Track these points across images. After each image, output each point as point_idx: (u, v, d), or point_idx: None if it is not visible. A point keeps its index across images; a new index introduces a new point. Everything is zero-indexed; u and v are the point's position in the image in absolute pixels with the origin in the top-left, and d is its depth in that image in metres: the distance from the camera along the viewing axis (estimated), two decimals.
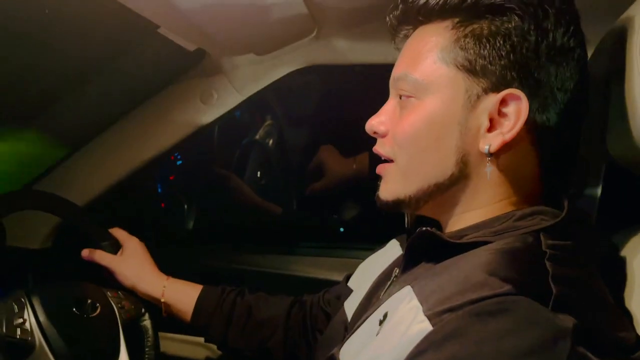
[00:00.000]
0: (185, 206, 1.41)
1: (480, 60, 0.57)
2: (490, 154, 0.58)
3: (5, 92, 0.92)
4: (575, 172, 0.66)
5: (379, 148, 0.66)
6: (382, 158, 0.66)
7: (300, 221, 1.56)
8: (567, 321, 0.46)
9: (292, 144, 1.74)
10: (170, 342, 1.14)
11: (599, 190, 0.90)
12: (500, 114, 0.58)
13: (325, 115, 1.64)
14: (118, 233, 1.00)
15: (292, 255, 1.18)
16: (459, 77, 0.58)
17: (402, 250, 0.76)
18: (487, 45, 0.57)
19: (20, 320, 0.75)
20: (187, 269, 1.02)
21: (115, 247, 0.98)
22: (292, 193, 1.67)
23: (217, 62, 1.05)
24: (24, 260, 1.12)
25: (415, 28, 0.64)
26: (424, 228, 0.59)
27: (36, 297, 0.78)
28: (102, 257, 0.96)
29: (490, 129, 0.58)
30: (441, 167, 0.60)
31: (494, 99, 0.57)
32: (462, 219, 0.62)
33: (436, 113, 0.59)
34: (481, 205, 0.61)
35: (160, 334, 0.97)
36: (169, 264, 1.00)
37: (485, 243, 0.55)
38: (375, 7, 0.83)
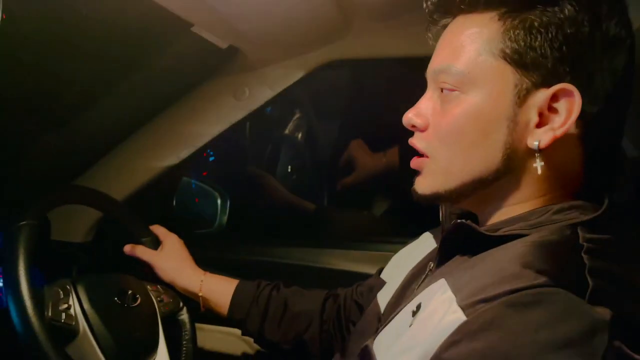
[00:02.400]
0: (219, 201, 1.43)
1: (531, 53, 0.54)
2: (539, 150, 0.56)
3: (48, 91, 0.96)
4: (618, 166, 0.64)
5: (416, 142, 0.64)
6: (419, 152, 0.64)
7: (331, 215, 1.57)
8: (604, 314, 0.46)
9: (322, 136, 1.75)
10: (207, 335, 1.16)
11: None
12: (551, 109, 0.55)
13: (355, 110, 1.64)
14: (158, 230, 1.03)
15: (324, 248, 1.19)
16: (508, 71, 0.56)
17: (436, 243, 0.76)
18: (539, 36, 0.54)
19: (65, 306, 0.78)
20: (221, 263, 1.04)
21: (155, 243, 1.02)
22: (323, 187, 1.68)
23: (249, 58, 1.06)
24: (68, 253, 1.16)
25: (454, 18, 0.61)
26: (459, 220, 0.58)
27: (81, 285, 0.81)
28: (143, 252, 0.99)
29: (540, 124, 0.56)
30: (487, 163, 0.58)
31: (544, 94, 0.55)
32: (501, 212, 0.61)
33: (483, 108, 0.57)
34: (523, 199, 0.60)
35: (198, 325, 1.00)
36: (204, 258, 1.02)
37: (521, 236, 0.55)
38: None
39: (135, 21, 0.88)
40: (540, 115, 0.56)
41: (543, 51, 0.54)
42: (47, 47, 0.86)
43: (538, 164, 0.57)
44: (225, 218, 1.44)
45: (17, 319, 0.71)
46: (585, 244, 0.52)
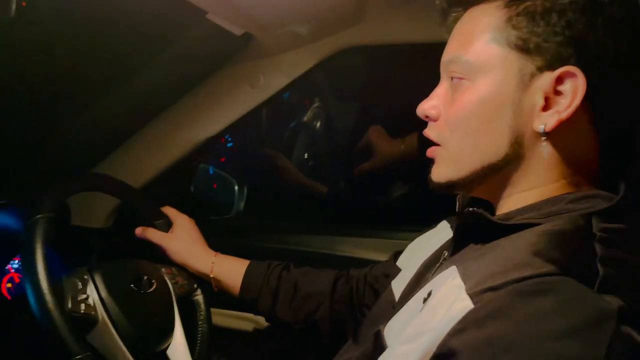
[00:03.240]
0: (236, 187, 1.44)
1: (534, 38, 0.55)
2: (545, 134, 0.56)
3: (66, 80, 0.97)
4: (636, 152, 0.63)
5: (429, 132, 0.65)
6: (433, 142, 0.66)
7: (347, 201, 1.57)
8: (612, 303, 0.45)
9: (340, 126, 1.74)
10: (222, 317, 1.18)
11: None
12: (556, 92, 0.56)
13: (373, 97, 1.63)
14: (169, 211, 1.04)
15: (338, 235, 1.19)
16: (512, 57, 0.57)
17: (452, 232, 0.76)
18: (541, 22, 0.55)
19: (84, 296, 0.79)
20: (234, 247, 1.04)
21: (167, 225, 1.02)
22: (340, 174, 1.67)
23: (264, 45, 1.05)
24: (88, 238, 1.19)
25: (465, 10, 0.63)
26: (471, 209, 0.59)
27: (98, 274, 0.83)
28: (153, 234, 1.00)
29: (546, 107, 0.56)
30: (495, 148, 0.59)
31: (549, 77, 0.56)
32: (515, 200, 0.61)
33: (488, 94, 0.58)
34: (535, 185, 0.60)
35: (212, 310, 1.01)
36: (220, 244, 1.03)
37: (534, 225, 0.55)
38: None
39: (151, 9, 0.88)
40: (547, 99, 0.56)
41: (546, 36, 0.55)
42: (64, 37, 0.87)
43: (543, 148, 0.57)
44: (242, 204, 1.45)
45: (39, 313, 0.72)
46: (598, 233, 0.52)
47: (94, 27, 0.87)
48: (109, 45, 0.93)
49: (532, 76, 0.56)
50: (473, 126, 0.60)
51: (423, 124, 0.67)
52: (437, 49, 0.65)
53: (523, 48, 0.56)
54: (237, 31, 1.00)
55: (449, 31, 0.65)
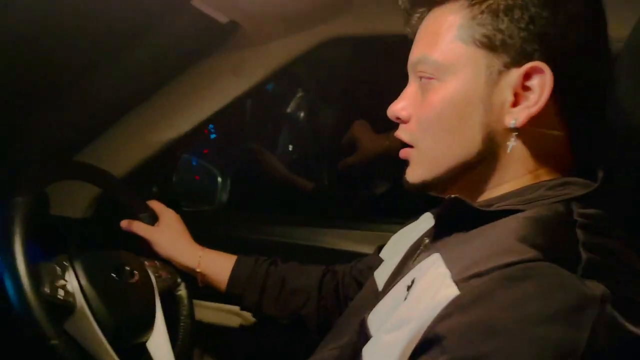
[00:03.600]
0: (219, 179, 1.43)
1: (499, 35, 0.56)
2: (516, 129, 0.58)
3: (46, 66, 0.95)
4: (607, 140, 0.65)
5: (401, 133, 0.66)
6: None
7: (330, 195, 1.57)
8: (595, 288, 0.46)
9: (324, 118, 1.74)
10: (206, 310, 1.17)
11: None
12: (524, 87, 0.57)
13: (358, 89, 1.63)
14: (155, 205, 1.03)
15: (323, 227, 1.19)
16: (479, 55, 0.57)
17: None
18: (505, 19, 0.56)
19: (63, 282, 0.78)
20: (220, 240, 1.04)
21: (152, 218, 1.01)
22: (323, 167, 1.67)
23: (249, 34, 1.04)
24: (67, 228, 1.16)
25: (429, 10, 0.63)
26: (453, 196, 0.59)
27: (78, 261, 0.81)
28: (140, 227, 0.99)
29: (515, 103, 0.57)
30: (467, 146, 0.60)
31: (516, 73, 0.56)
32: (491, 194, 0.62)
33: (458, 92, 0.59)
34: (510, 179, 0.61)
35: (196, 302, 1.00)
36: (204, 236, 1.02)
37: (515, 212, 0.55)
38: None
39: None
40: (516, 94, 0.57)
41: (510, 32, 0.56)
42: (43, 22, 0.84)
43: (511, 144, 0.58)
44: (225, 196, 1.44)
45: (14, 296, 0.71)
46: (578, 219, 0.53)
47: (73, 12, 0.85)
48: (90, 31, 0.91)
49: (500, 73, 0.57)
50: (445, 126, 0.60)
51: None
52: None
53: (489, 45, 0.57)
54: (223, 19, 0.98)
55: (414, 32, 0.65)
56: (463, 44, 0.58)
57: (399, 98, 0.66)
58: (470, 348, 0.45)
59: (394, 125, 1.44)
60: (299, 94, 1.73)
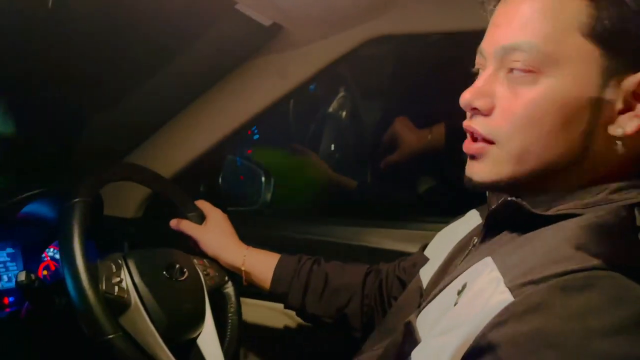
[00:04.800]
0: (263, 178, 1.44)
1: (624, 34, 0.50)
2: (621, 138, 0.53)
3: (98, 72, 0.99)
4: None
5: (478, 126, 0.57)
6: (477, 137, 0.58)
7: (374, 193, 1.56)
8: None
9: (366, 116, 1.73)
10: (251, 308, 1.19)
11: None
12: (635, 95, 0.52)
13: (400, 87, 1.61)
14: (203, 205, 1.05)
15: (366, 226, 1.19)
16: (597, 52, 0.51)
17: (482, 220, 0.73)
18: (635, 17, 0.49)
19: (118, 279, 0.81)
20: (264, 239, 1.05)
21: (200, 218, 1.04)
22: (366, 165, 1.67)
23: (292, 36, 1.05)
24: (119, 228, 1.21)
25: None
26: (509, 199, 0.56)
27: (131, 259, 0.84)
28: (188, 227, 1.02)
29: (623, 110, 0.52)
30: (563, 151, 0.54)
31: (633, 79, 0.51)
32: (553, 195, 0.57)
33: (566, 92, 0.52)
34: (588, 183, 0.56)
35: (243, 300, 1.02)
36: (248, 235, 1.04)
37: (574, 215, 0.52)
38: None
39: (181, 0, 0.89)
40: (625, 101, 0.52)
41: (637, 31, 0.50)
42: (97, 30, 0.88)
43: (616, 150, 0.53)
44: (269, 196, 1.45)
45: (74, 291, 0.74)
46: None
47: (124, 20, 0.88)
48: (139, 37, 0.94)
49: (617, 76, 0.51)
50: (545, 126, 0.53)
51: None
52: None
53: (609, 43, 0.50)
54: (266, 22, 1.00)
55: (490, 11, 0.58)
56: (577, 36, 0.51)
57: (475, 86, 0.57)
58: (527, 358, 0.43)
59: (435, 121, 1.42)
60: (341, 94, 1.73)
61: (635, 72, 0.51)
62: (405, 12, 0.99)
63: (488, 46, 0.57)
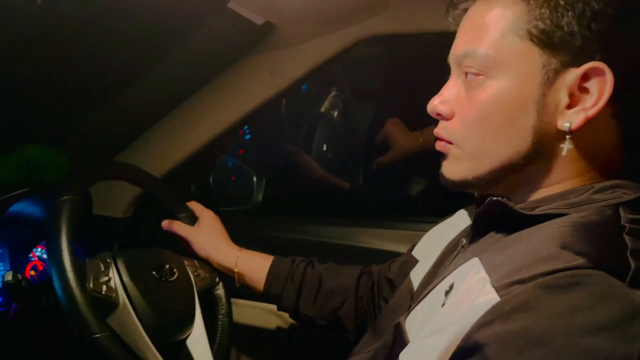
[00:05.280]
0: (255, 179, 1.44)
1: (559, 32, 0.53)
2: (569, 132, 0.55)
3: (88, 71, 0.98)
4: None
5: (441, 131, 0.62)
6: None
7: (366, 194, 1.56)
8: None
9: (358, 117, 1.73)
10: (243, 310, 1.19)
11: None
12: (581, 89, 0.54)
13: (392, 88, 1.62)
14: (195, 206, 1.05)
15: (358, 227, 1.19)
16: (535, 52, 0.54)
17: (471, 220, 0.74)
18: (566, 14, 0.52)
19: (106, 278, 0.80)
20: (257, 240, 1.05)
21: (192, 219, 1.03)
22: (358, 166, 1.67)
23: (284, 34, 1.05)
24: (109, 227, 1.20)
25: (475, 0, 0.60)
26: (494, 198, 0.57)
27: (120, 258, 0.83)
28: (180, 228, 1.01)
29: (570, 105, 0.55)
30: (515, 148, 0.57)
31: (574, 73, 0.54)
32: (536, 195, 0.60)
33: (510, 92, 0.56)
34: (557, 181, 0.58)
35: (233, 300, 1.01)
36: (240, 236, 1.03)
37: (559, 215, 0.53)
38: None
39: None
40: (571, 95, 0.54)
41: (571, 29, 0.52)
42: (86, 28, 0.87)
43: (566, 146, 0.55)
44: (261, 196, 1.45)
45: (60, 290, 0.73)
46: (627, 224, 0.50)
47: (114, 18, 0.87)
48: (130, 36, 0.93)
49: (557, 72, 0.54)
50: (492, 126, 0.57)
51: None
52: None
53: (546, 42, 0.53)
54: (258, 20, 0.99)
55: (457, 22, 0.62)
56: (518, 40, 0.55)
57: (440, 93, 0.62)
58: (514, 357, 0.44)
59: (427, 123, 1.43)
60: (333, 94, 1.73)
61: (575, 66, 0.53)
62: (398, 13, 0.99)
63: (450, 56, 0.62)
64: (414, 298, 0.71)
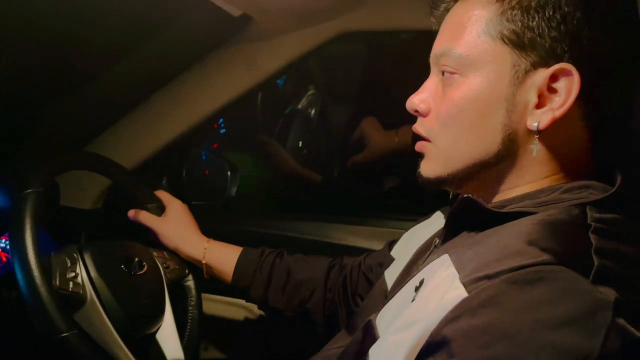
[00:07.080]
0: (229, 172, 1.43)
1: (529, 33, 0.54)
2: (538, 131, 0.56)
3: (59, 58, 0.95)
4: (630, 144, 0.64)
5: (419, 127, 0.64)
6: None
7: (340, 190, 1.56)
8: (608, 294, 0.45)
9: (334, 115, 1.73)
10: (212, 303, 1.18)
11: None
12: (550, 89, 0.56)
13: (368, 87, 1.62)
14: (162, 195, 1.03)
15: (332, 222, 1.19)
16: (505, 52, 0.56)
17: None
18: (536, 16, 0.54)
19: (73, 274, 0.78)
20: (228, 234, 1.03)
21: (160, 209, 1.01)
22: (333, 164, 1.67)
23: (261, 27, 1.04)
24: (77, 219, 1.17)
25: (456, 1, 0.62)
26: (465, 195, 0.58)
27: (87, 253, 0.81)
28: (146, 218, 0.99)
29: (539, 105, 0.56)
30: (486, 146, 0.59)
31: (543, 74, 0.55)
32: (507, 194, 0.61)
33: (481, 90, 0.57)
34: (528, 181, 0.60)
35: (203, 295, 1.00)
36: (211, 229, 1.02)
37: (528, 214, 0.54)
38: None
39: None
40: (540, 96, 0.56)
41: (540, 31, 0.54)
42: (59, 13, 0.85)
43: (535, 146, 0.57)
44: (234, 190, 1.44)
45: (25, 288, 0.71)
46: (593, 223, 0.52)
47: (87, 6, 0.85)
48: (103, 25, 0.91)
49: (526, 72, 0.56)
50: (464, 123, 0.59)
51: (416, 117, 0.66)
52: (433, 38, 0.63)
53: (517, 43, 0.55)
54: (235, 12, 0.98)
55: (439, 22, 0.64)
56: (490, 40, 0.57)
57: (419, 90, 0.64)
58: (480, 352, 0.44)
59: (402, 122, 1.44)
60: (310, 91, 1.73)
61: (545, 67, 0.55)
62: (375, 9, 1.00)
63: (431, 54, 0.63)
64: (388, 297, 0.71)
